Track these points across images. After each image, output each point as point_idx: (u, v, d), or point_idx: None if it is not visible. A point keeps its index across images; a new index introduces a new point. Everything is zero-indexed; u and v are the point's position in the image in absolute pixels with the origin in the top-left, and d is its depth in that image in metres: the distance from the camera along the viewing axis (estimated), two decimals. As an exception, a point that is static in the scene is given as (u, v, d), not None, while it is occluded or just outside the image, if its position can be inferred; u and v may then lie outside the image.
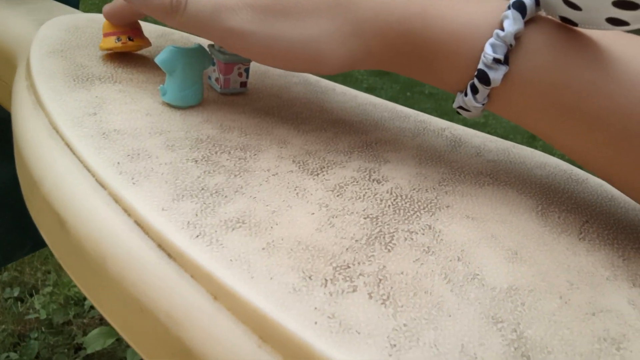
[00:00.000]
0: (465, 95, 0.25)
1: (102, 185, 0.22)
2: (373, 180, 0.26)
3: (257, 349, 0.17)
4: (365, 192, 0.25)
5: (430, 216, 0.24)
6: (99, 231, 0.21)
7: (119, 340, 0.83)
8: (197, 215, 0.21)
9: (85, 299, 0.90)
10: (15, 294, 0.90)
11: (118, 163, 0.24)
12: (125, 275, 0.20)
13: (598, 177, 0.25)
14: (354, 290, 0.18)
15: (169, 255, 0.19)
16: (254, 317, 0.17)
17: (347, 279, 0.19)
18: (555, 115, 0.23)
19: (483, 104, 0.25)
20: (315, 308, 0.17)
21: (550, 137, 0.25)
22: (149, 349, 0.20)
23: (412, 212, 0.24)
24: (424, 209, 0.24)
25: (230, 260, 0.19)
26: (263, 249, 0.20)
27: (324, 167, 0.27)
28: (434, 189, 0.26)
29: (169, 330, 0.19)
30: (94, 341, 0.80)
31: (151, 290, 0.19)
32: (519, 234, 0.23)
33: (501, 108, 0.25)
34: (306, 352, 0.16)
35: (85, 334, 0.84)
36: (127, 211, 0.21)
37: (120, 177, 0.23)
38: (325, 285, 0.18)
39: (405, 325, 0.17)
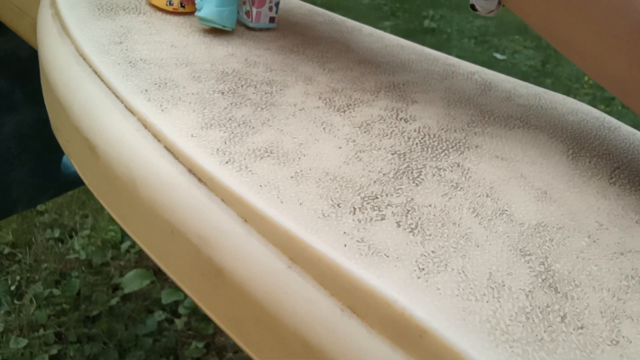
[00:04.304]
0: None
1: (132, 111, 0.22)
2: (400, 119, 0.26)
3: (287, 269, 0.17)
4: (393, 130, 0.24)
5: (459, 155, 0.23)
6: (130, 156, 0.21)
7: (154, 282, 0.86)
8: (225, 143, 0.21)
9: (121, 242, 0.93)
10: (56, 235, 0.93)
11: (146, 90, 0.24)
12: (156, 198, 0.20)
13: (611, 91, 0.23)
14: (382, 219, 0.18)
15: (200, 180, 0.20)
16: (284, 238, 0.17)
17: (375, 208, 0.19)
18: (576, 5, 0.21)
19: None
20: (345, 232, 0.17)
21: (566, 39, 0.22)
22: (179, 270, 0.21)
23: (440, 151, 0.23)
24: (452, 147, 0.24)
25: (260, 185, 0.19)
26: (292, 177, 0.20)
27: (350, 105, 0.26)
28: (462, 129, 0.26)
29: (199, 251, 0.19)
30: (131, 282, 0.83)
31: (182, 212, 0.20)
32: (549, 175, 0.23)
33: (516, 3, 0.23)
34: (336, 271, 0.16)
35: (122, 275, 0.87)
36: (157, 137, 0.21)
37: (149, 104, 0.23)
38: (354, 213, 0.18)
39: (433, 252, 0.17)
